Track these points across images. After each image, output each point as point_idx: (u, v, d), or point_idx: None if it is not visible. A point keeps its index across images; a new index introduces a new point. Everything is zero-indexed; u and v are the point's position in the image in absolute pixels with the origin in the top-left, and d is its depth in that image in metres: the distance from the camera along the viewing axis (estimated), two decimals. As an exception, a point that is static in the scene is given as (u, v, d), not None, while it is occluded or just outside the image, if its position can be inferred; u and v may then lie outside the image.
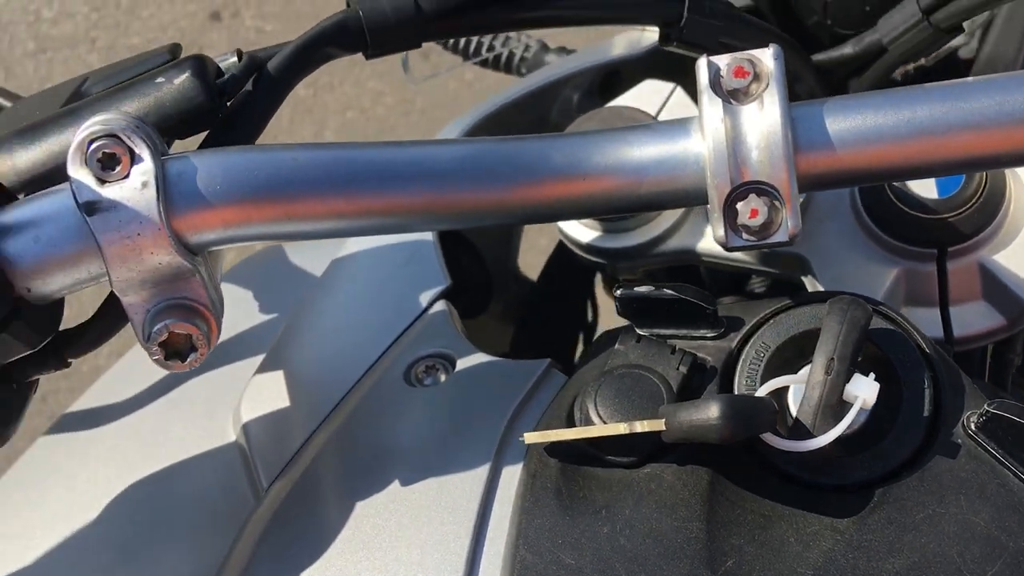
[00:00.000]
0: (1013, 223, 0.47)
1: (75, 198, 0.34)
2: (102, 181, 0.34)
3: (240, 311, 0.56)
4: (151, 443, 0.50)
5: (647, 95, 0.57)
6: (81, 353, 0.39)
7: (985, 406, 0.36)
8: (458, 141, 0.39)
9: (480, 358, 0.46)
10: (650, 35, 0.71)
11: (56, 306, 0.37)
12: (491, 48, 0.78)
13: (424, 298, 0.51)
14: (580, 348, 0.80)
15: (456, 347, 0.47)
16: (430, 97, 2.00)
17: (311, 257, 0.58)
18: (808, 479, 0.36)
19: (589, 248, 0.54)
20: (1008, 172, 0.47)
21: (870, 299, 0.39)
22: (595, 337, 0.44)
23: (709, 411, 0.34)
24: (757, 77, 0.36)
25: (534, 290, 0.77)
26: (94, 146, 0.34)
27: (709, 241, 0.52)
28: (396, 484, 0.40)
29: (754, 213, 0.36)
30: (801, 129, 0.36)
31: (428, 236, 0.54)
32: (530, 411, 0.42)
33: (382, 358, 0.48)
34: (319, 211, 0.36)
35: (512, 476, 0.40)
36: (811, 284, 0.50)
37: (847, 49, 0.55)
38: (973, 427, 0.36)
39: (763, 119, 0.36)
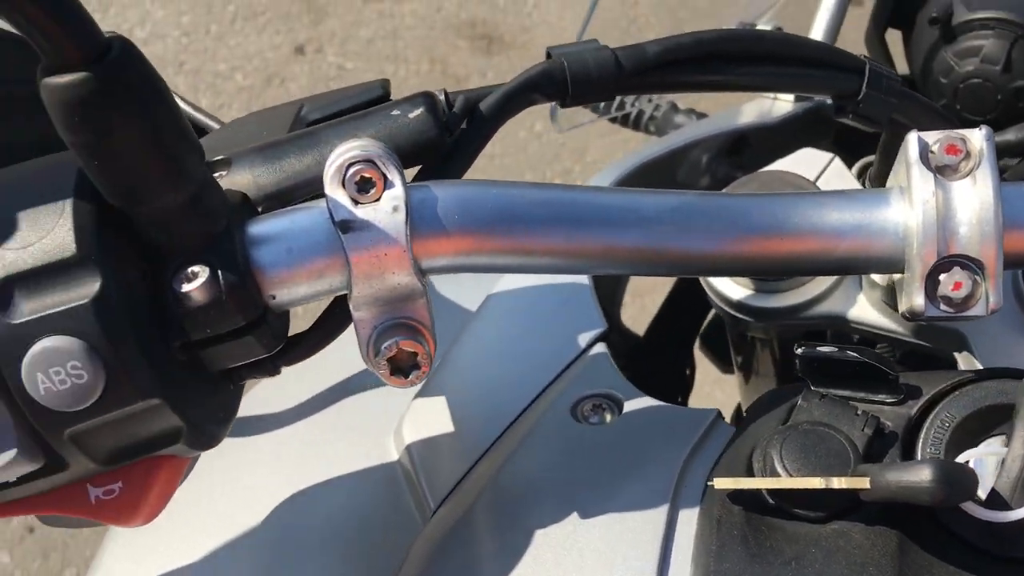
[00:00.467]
0: None
1: (331, 215, 0.36)
2: (356, 202, 0.36)
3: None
4: (312, 455, 0.51)
5: (804, 162, 0.59)
6: (293, 362, 0.41)
7: None
8: (668, 192, 0.40)
9: (647, 402, 0.47)
10: (782, 105, 0.74)
11: (287, 316, 0.39)
12: (621, 106, 0.81)
13: (582, 339, 0.52)
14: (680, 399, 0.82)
15: (621, 389, 0.48)
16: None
17: (462, 291, 0.60)
18: (998, 552, 0.37)
19: (739, 305, 0.55)
20: None
21: None
22: (758, 396, 0.45)
23: (922, 473, 0.35)
24: (968, 155, 0.38)
25: (640, 340, 0.79)
26: (352, 170, 0.36)
27: (861, 309, 0.54)
28: (574, 517, 0.42)
29: (958, 286, 0.38)
30: (1008, 207, 0.38)
31: (584, 280, 0.56)
32: (700, 458, 0.44)
33: (545, 393, 0.50)
34: (539, 247, 0.38)
35: (689, 520, 0.41)
36: (965, 360, 0.51)
37: (1009, 136, 0.57)
38: None
39: (975, 195, 0.37)
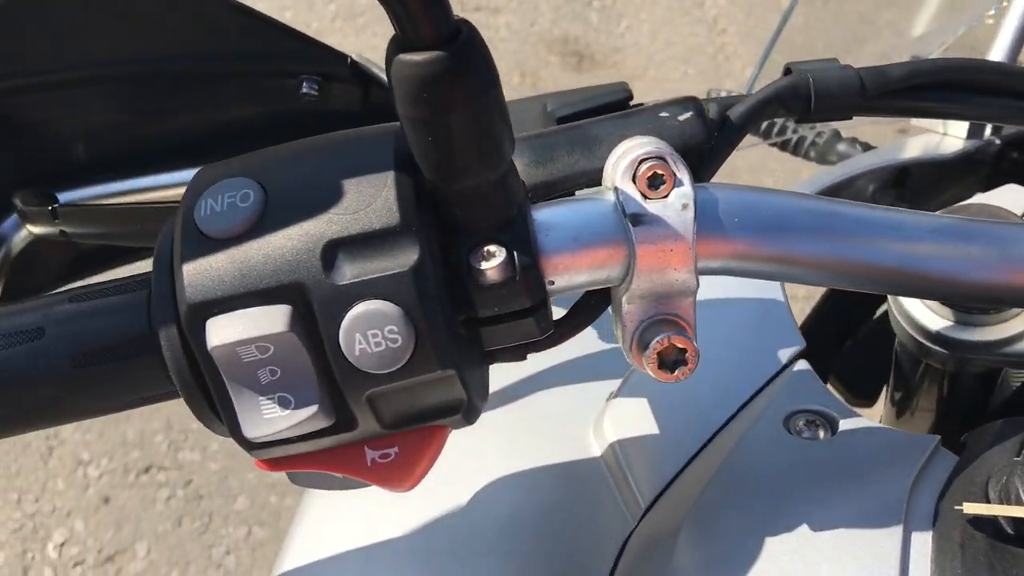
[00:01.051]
0: None
1: (621, 208, 0.37)
2: (645, 197, 0.37)
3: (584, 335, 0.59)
4: (511, 445, 0.52)
5: (1006, 197, 0.59)
6: (540, 349, 0.42)
7: None
8: (928, 215, 0.41)
9: (862, 423, 0.48)
10: (951, 141, 0.74)
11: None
12: (782, 131, 0.82)
13: (782, 354, 0.53)
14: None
15: (835, 407, 0.49)
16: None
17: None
18: None
19: (936, 336, 0.56)
20: None
21: None
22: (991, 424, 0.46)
23: None
24: None
25: None
26: (646, 165, 0.37)
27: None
28: (803, 530, 0.42)
29: None
30: None
31: (779, 295, 0.57)
32: (926, 483, 0.44)
33: (750, 404, 0.50)
34: (807, 259, 0.39)
35: (921, 541, 0.41)
36: None
37: None
38: None
39: None
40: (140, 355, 0.37)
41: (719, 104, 0.45)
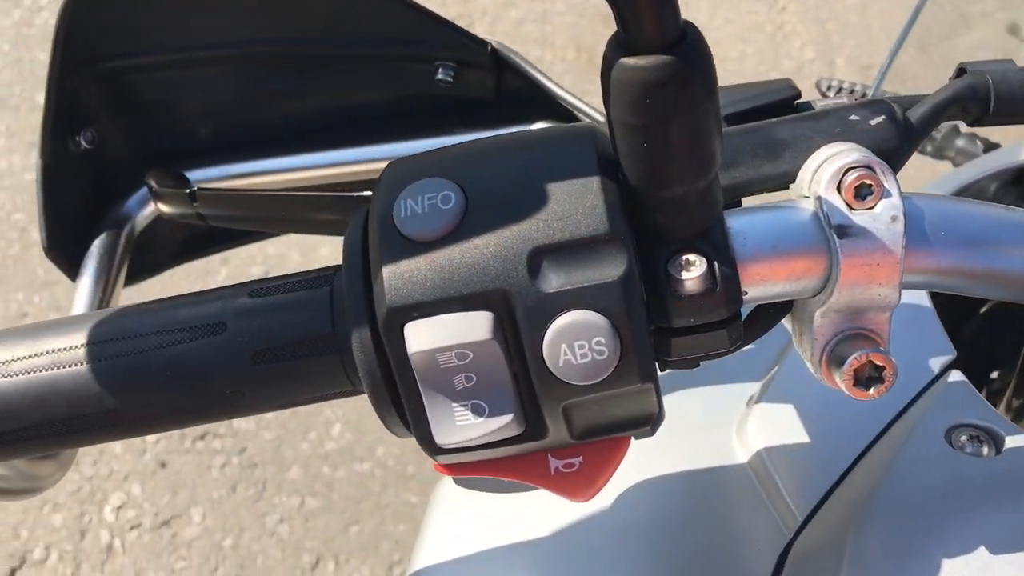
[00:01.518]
0: None
1: (826, 218, 0.35)
2: (851, 207, 0.35)
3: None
4: (654, 448, 0.51)
5: None
6: (710, 357, 0.40)
7: None
8: None
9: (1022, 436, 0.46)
10: (1078, 145, 0.72)
11: None
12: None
13: (933, 364, 0.51)
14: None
15: (998, 423, 0.47)
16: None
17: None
18: None
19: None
20: None
21: None
22: None
23: None
24: None
25: None
26: (853, 175, 0.35)
27: None
28: (982, 552, 0.41)
29: None
30: None
31: (926, 302, 0.55)
32: None
33: (904, 415, 0.49)
34: (1011, 273, 0.37)
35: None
36: None
37: None
38: None
39: None
40: (321, 354, 0.36)
41: (899, 106, 0.43)
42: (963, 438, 0.47)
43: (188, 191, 0.53)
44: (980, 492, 0.44)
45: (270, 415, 1.87)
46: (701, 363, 0.41)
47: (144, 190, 0.58)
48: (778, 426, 0.50)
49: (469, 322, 0.33)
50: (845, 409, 0.50)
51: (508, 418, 0.34)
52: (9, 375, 0.36)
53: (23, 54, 2.15)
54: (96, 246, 0.57)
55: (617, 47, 0.31)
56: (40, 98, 2.10)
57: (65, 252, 0.56)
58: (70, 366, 0.36)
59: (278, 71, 0.56)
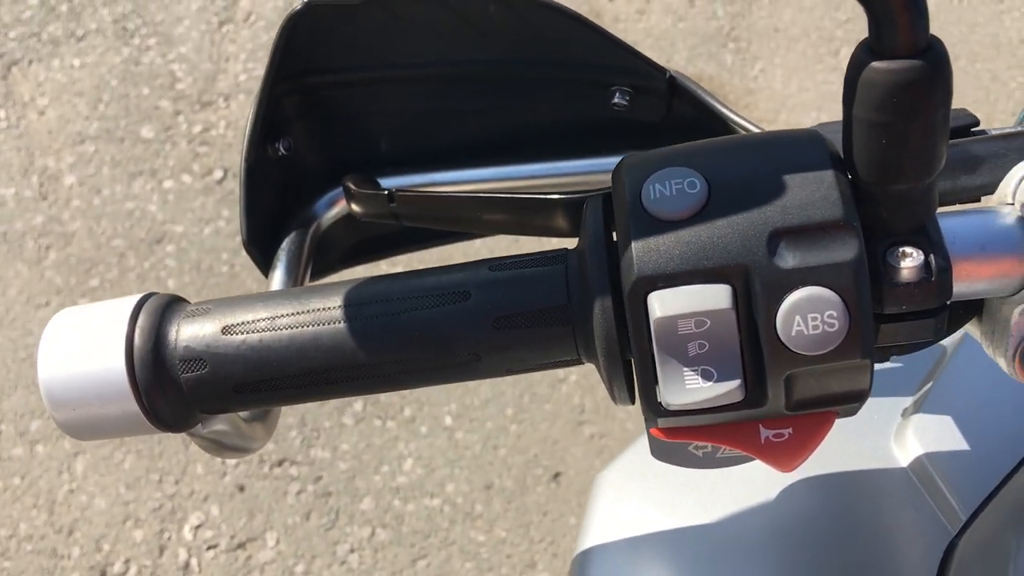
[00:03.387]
0: None
1: None
2: None
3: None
4: (818, 451, 0.54)
5: None
6: (905, 353, 0.44)
7: None
8: None
9: None
10: None
11: None
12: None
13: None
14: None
15: None
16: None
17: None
18: None
19: None
20: None
21: None
22: None
23: None
24: None
25: None
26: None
27: None
28: None
29: None
30: None
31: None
32: None
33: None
34: None
35: None
36: None
37: None
38: None
39: None
40: (555, 324, 0.40)
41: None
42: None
43: (386, 192, 0.58)
44: None
45: (345, 445, 1.91)
46: (891, 357, 0.45)
47: (331, 193, 0.63)
48: (938, 433, 0.53)
49: (711, 292, 0.37)
50: (1008, 416, 0.53)
51: (735, 384, 0.37)
52: (277, 329, 0.41)
53: (130, 90, 2.26)
54: (286, 243, 0.62)
55: (867, 52, 0.35)
56: (144, 131, 2.20)
57: (260, 248, 0.61)
58: (330, 324, 0.41)
59: (466, 90, 0.61)
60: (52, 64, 2.29)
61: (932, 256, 0.38)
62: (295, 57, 0.57)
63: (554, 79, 0.60)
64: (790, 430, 0.40)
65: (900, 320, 0.40)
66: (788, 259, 0.37)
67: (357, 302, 0.41)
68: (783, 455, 0.40)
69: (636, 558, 0.52)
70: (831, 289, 0.36)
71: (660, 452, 0.44)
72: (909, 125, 0.36)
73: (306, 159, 0.63)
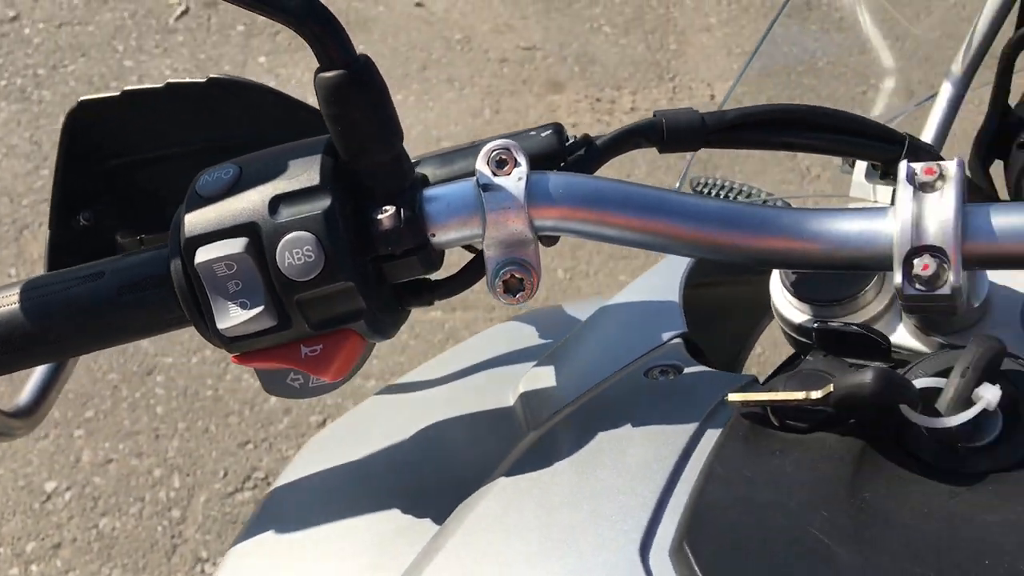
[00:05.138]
0: None
1: (478, 182, 0.55)
2: (495, 173, 0.55)
3: (528, 335, 0.75)
4: (450, 403, 0.69)
5: None
6: (442, 298, 0.59)
7: None
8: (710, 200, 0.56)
9: (703, 368, 0.62)
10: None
11: (442, 255, 0.58)
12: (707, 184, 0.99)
13: (665, 335, 0.68)
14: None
15: (685, 361, 0.63)
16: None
17: (579, 313, 0.77)
18: (941, 465, 0.49)
19: (799, 328, 0.69)
20: None
21: (1015, 354, 0.52)
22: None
23: (865, 376, 0.48)
24: (942, 176, 0.52)
25: None
26: (495, 153, 0.55)
27: (900, 335, 0.66)
28: (612, 431, 0.56)
29: (925, 267, 0.51)
30: (972, 219, 0.51)
31: (676, 298, 0.72)
32: None
33: (628, 366, 0.65)
34: (615, 222, 0.55)
35: (713, 436, 0.55)
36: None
37: None
38: None
39: (943, 206, 0.51)
40: (160, 287, 0.56)
41: (587, 136, 0.63)
42: (656, 372, 0.62)
43: (139, 238, 0.76)
44: (654, 399, 0.59)
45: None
46: (434, 302, 0.60)
47: None
48: (540, 380, 0.67)
49: (232, 243, 0.53)
50: (590, 368, 0.66)
51: (260, 308, 0.53)
52: None
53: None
54: None
55: (318, 69, 0.52)
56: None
57: None
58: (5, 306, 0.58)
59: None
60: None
61: (403, 209, 0.54)
62: (81, 143, 0.75)
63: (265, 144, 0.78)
64: (321, 346, 0.55)
65: (395, 259, 0.55)
66: (282, 215, 0.53)
67: (26, 289, 0.58)
68: (320, 366, 0.55)
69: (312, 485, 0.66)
70: (308, 231, 0.52)
71: (270, 386, 0.59)
72: (348, 115, 0.52)
73: (107, 226, 0.81)
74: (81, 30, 3.05)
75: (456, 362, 0.74)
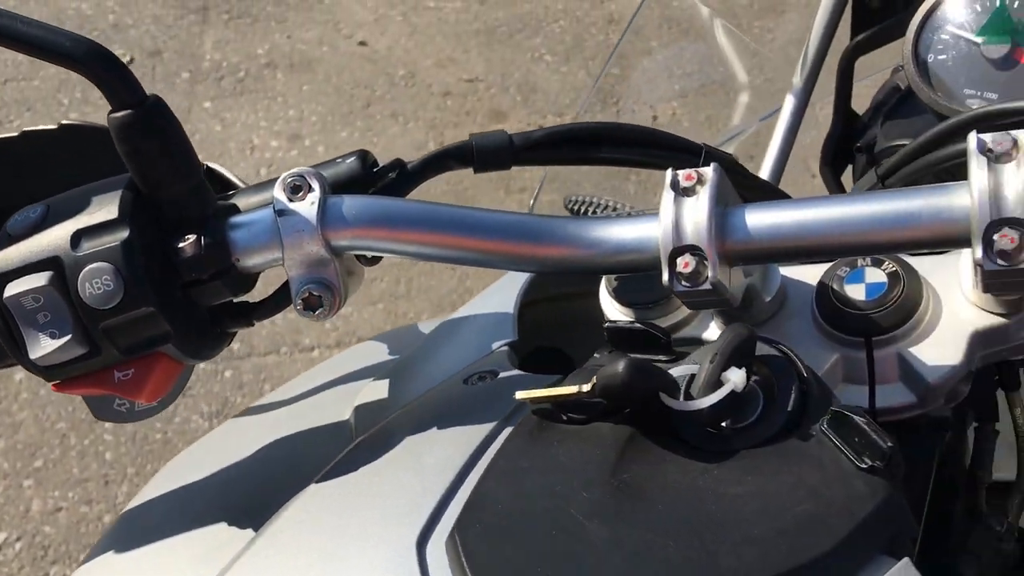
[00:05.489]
0: (927, 322, 0.62)
1: (275, 208, 0.58)
2: (291, 200, 0.58)
3: (381, 354, 0.79)
4: (297, 420, 0.72)
5: None
6: (261, 318, 0.62)
7: (831, 408, 0.51)
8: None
9: (515, 372, 0.65)
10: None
11: (252, 278, 0.61)
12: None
13: (495, 345, 0.71)
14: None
15: (501, 367, 0.66)
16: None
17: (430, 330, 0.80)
18: (699, 445, 0.52)
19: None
20: (924, 283, 0.62)
21: (768, 337, 0.55)
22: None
23: (618, 366, 0.51)
24: (700, 181, 0.56)
25: None
26: (290, 180, 0.58)
27: (711, 332, 0.69)
28: (420, 435, 0.59)
29: (686, 265, 0.55)
30: (728, 219, 0.55)
31: (511, 310, 0.75)
32: None
33: (456, 375, 0.68)
34: (408, 239, 0.59)
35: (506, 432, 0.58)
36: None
37: None
38: (825, 424, 0.51)
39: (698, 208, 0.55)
40: None
41: (399, 160, 0.66)
42: (475, 378, 0.66)
43: None
44: (466, 402, 0.63)
45: None
46: (254, 323, 0.63)
47: None
48: (375, 393, 0.70)
49: (37, 277, 0.56)
50: (421, 378, 0.70)
51: (68, 337, 0.56)
52: None
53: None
54: None
55: (110, 110, 0.56)
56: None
57: None
58: None
59: None
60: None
61: (203, 237, 0.57)
62: None
63: None
64: (132, 370, 0.58)
65: (203, 283, 0.58)
66: (83, 248, 0.56)
67: None
68: (134, 389, 0.58)
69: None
70: (107, 262, 0.55)
71: (99, 412, 0.62)
72: (142, 149, 0.55)
73: None
74: (26, 85, 3.09)
75: (311, 382, 0.77)
